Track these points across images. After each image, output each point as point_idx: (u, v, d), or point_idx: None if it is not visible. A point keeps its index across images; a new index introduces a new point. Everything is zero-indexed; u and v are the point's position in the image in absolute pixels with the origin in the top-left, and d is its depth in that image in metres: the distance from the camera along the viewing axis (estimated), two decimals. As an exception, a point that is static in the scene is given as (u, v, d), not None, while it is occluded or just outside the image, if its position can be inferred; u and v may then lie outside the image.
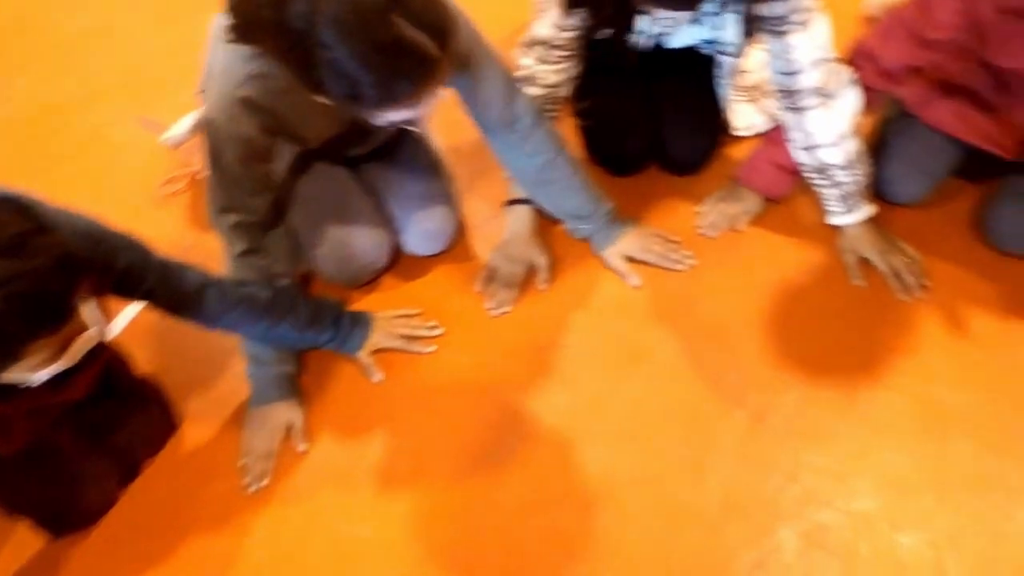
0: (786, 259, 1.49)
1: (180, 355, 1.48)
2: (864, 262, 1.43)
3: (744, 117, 1.64)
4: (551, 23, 1.35)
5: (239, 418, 1.38)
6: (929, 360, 1.33)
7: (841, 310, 1.41)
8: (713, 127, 1.60)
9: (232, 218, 1.26)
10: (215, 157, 1.20)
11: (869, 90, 1.34)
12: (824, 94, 1.31)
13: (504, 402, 1.37)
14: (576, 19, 1.32)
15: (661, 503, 1.23)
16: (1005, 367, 1.31)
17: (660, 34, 1.43)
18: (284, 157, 1.45)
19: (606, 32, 1.37)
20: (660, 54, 1.50)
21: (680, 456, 1.27)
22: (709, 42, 1.44)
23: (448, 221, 1.54)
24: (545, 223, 1.55)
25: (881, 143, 1.50)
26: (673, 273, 1.49)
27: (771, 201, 1.53)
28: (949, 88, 1.40)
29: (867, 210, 1.42)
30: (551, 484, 1.27)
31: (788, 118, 1.37)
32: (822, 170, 1.39)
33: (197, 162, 1.70)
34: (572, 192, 1.43)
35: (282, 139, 1.27)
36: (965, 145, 1.42)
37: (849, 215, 1.42)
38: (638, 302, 1.46)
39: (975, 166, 1.47)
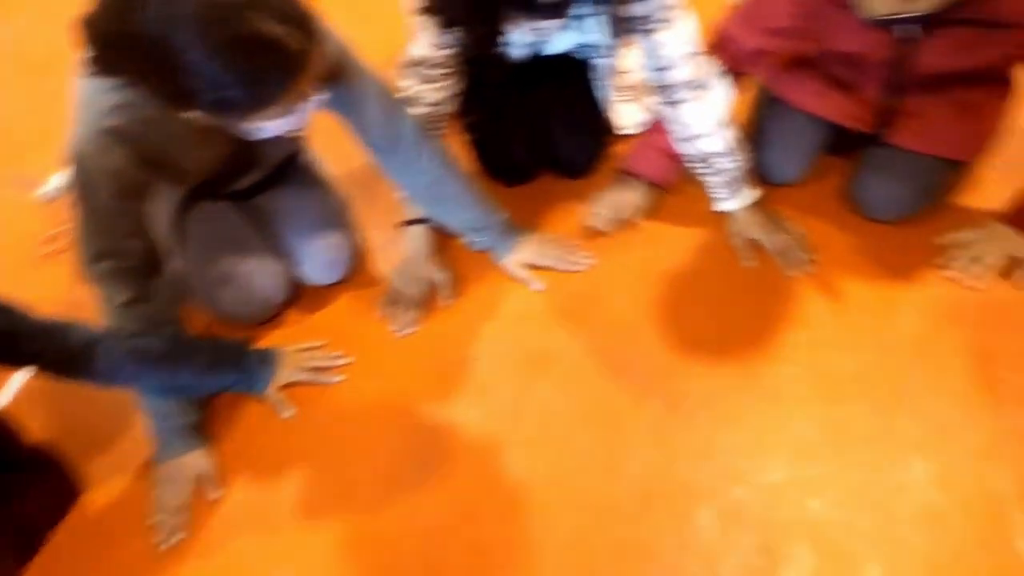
0: (680, 250, 1.54)
1: (77, 418, 1.42)
2: (753, 243, 1.49)
3: (628, 116, 1.69)
4: (427, 43, 1.36)
5: (146, 476, 1.33)
6: (819, 330, 1.39)
7: (737, 293, 1.46)
8: (597, 128, 1.64)
9: (108, 265, 1.18)
10: (85, 196, 1.13)
11: (731, 72, 1.41)
12: (697, 86, 1.36)
13: (418, 422, 1.36)
14: (451, 37, 1.34)
15: (582, 501, 1.24)
16: (887, 328, 1.38)
17: (535, 43, 1.46)
18: (168, 198, 1.41)
19: (482, 48, 1.39)
20: (538, 62, 1.53)
21: (597, 452, 1.29)
22: (583, 46, 1.48)
23: (346, 248, 1.53)
24: (444, 238, 1.56)
25: (756, 130, 1.57)
26: (573, 275, 1.51)
27: (658, 188, 1.57)
28: (807, 70, 1.48)
29: (751, 194, 1.48)
30: (471, 497, 1.26)
31: (667, 112, 1.42)
32: (704, 159, 1.44)
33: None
34: (465, 206, 1.44)
35: (160, 174, 1.20)
36: (830, 123, 1.50)
37: (734, 200, 1.48)
38: (541, 307, 1.48)
39: (841, 142, 1.56)
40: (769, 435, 1.28)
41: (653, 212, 1.59)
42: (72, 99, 1.17)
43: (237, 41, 0.91)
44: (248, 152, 1.35)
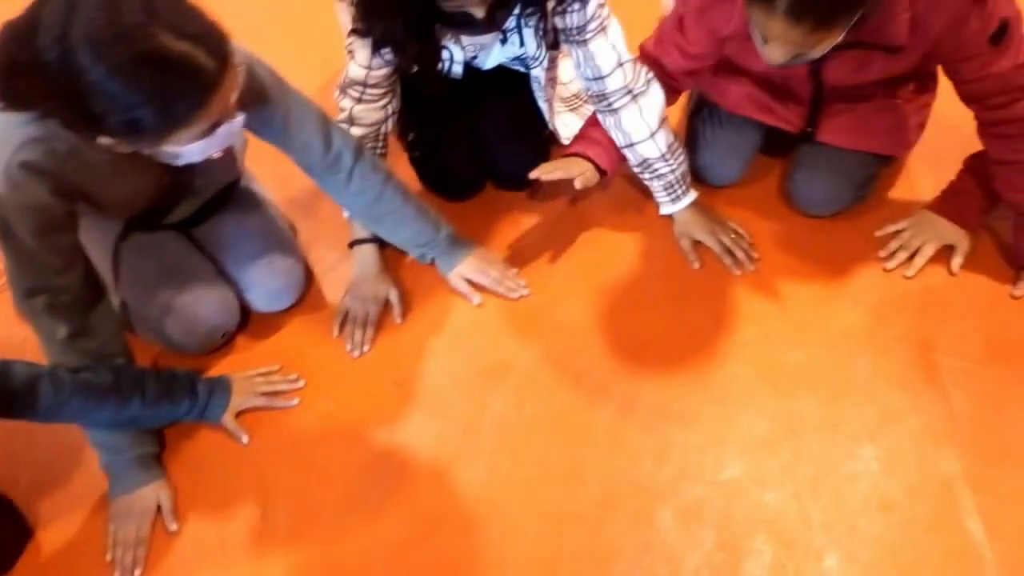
0: (627, 256, 1.56)
1: (23, 457, 1.39)
2: (698, 245, 1.52)
3: (569, 127, 1.71)
4: (362, 63, 1.36)
5: (100, 511, 1.30)
6: (766, 326, 1.43)
7: (684, 296, 1.49)
8: (537, 139, 1.65)
9: (42, 301, 1.16)
10: (6, 235, 1.11)
11: (664, 86, 1.43)
12: (632, 92, 1.39)
13: (375, 442, 1.35)
14: (387, 58, 1.34)
15: (543, 509, 1.25)
16: (831, 320, 1.42)
17: (471, 58, 1.48)
18: (104, 230, 1.39)
19: (419, 66, 1.40)
20: (476, 76, 1.54)
21: (555, 460, 1.30)
22: (518, 58, 1.50)
23: (293, 275, 1.52)
24: (394, 256, 1.56)
25: (692, 134, 1.61)
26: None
27: (603, 174, 1.51)
28: (738, 75, 1.51)
29: (691, 196, 1.51)
30: (432, 512, 1.26)
31: (607, 120, 1.44)
32: (643, 164, 1.46)
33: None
34: (407, 222, 1.44)
35: (85, 206, 1.18)
36: (762, 124, 1.54)
37: (676, 203, 1.50)
38: (493, 319, 1.49)
39: (775, 142, 1.60)
40: (723, 433, 1.30)
41: (598, 219, 1.61)
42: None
43: (139, 58, 0.89)
44: (181, 182, 1.33)
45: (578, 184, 1.46)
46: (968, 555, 1.14)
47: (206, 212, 1.49)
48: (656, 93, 1.41)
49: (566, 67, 1.71)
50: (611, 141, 1.48)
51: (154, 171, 1.23)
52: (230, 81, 0.99)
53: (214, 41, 0.95)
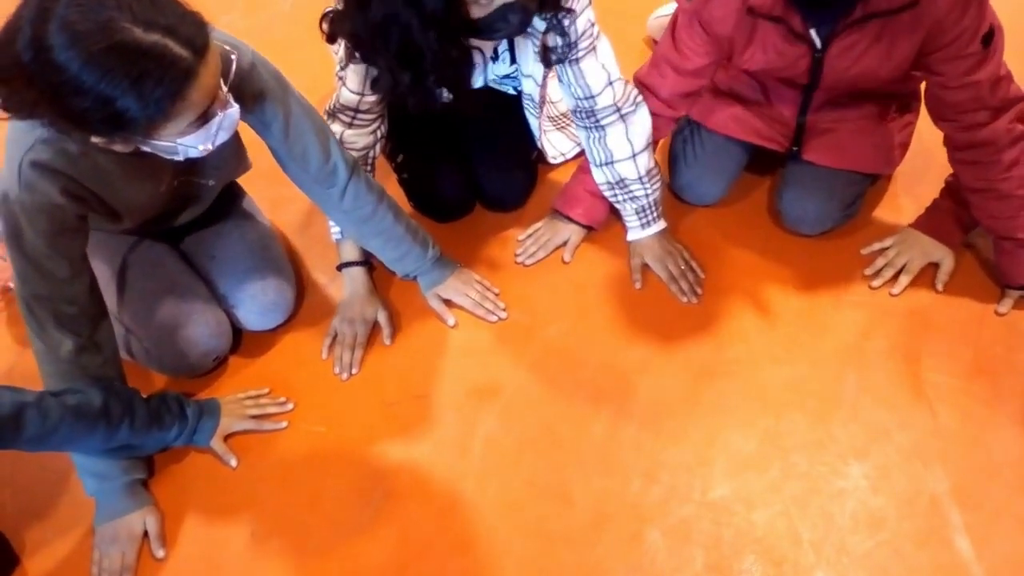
0: (614, 275, 1.56)
1: (9, 484, 1.38)
2: (646, 268, 1.54)
3: (558, 145, 1.72)
4: (354, 90, 1.37)
5: (87, 539, 1.29)
6: (754, 344, 1.43)
7: (671, 315, 1.49)
8: (526, 162, 1.66)
9: (49, 309, 1.15)
10: (16, 238, 1.10)
11: (656, 116, 1.44)
12: (620, 111, 1.40)
13: (365, 463, 1.35)
14: (379, 85, 1.34)
15: (533, 529, 1.25)
16: (819, 338, 1.43)
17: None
18: (108, 245, 1.40)
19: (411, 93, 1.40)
20: (464, 97, 1.54)
21: (545, 479, 1.30)
22: (508, 77, 1.50)
23: (284, 292, 1.52)
24: (383, 277, 1.56)
25: (674, 154, 1.62)
26: (510, 306, 1.53)
27: (589, 229, 1.60)
28: (723, 95, 1.53)
29: (660, 224, 1.52)
30: (423, 533, 1.26)
31: (592, 136, 1.45)
32: (619, 184, 1.46)
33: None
34: (395, 242, 1.44)
35: (94, 211, 1.18)
36: (747, 144, 1.56)
37: (645, 229, 1.52)
38: (481, 340, 1.49)
39: (760, 161, 1.61)
40: (712, 451, 1.31)
41: (585, 241, 1.61)
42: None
43: (111, 50, 0.90)
44: (192, 183, 1.34)
45: (567, 257, 1.58)
46: (958, 572, 1.15)
47: (204, 222, 1.49)
48: (644, 115, 1.42)
49: (555, 86, 1.72)
50: (596, 195, 1.51)
51: (165, 173, 1.23)
52: (209, 71, 0.98)
53: (188, 31, 0.95)
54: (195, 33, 0.96)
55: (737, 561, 1.18)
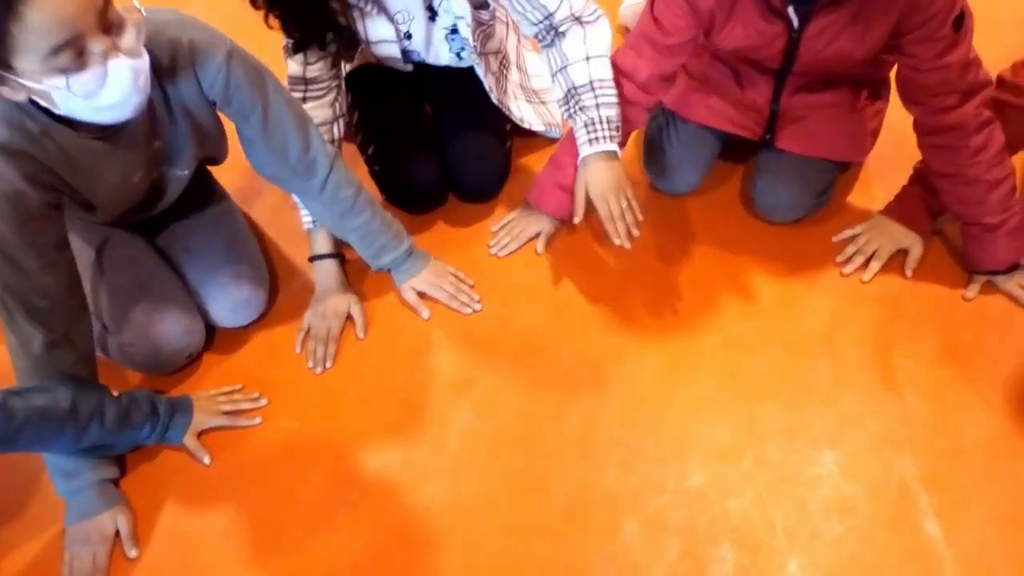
0: (589, 266, 1.57)
1: (-21, 485, 1.36)
2: (590, 202, 1.42)
3: (531, 115, 1.67)
4: (297, 59, 1.37)
5: (58, 540, 1.27)
6: (728, 333, 1.44)
7: (645, 304, 1.50)
8: (500, 152, 1.65)
9: (19, 300, 1.11)
10: None
11: (633, 105, 1.43)
12: (579, 19, 1.37)
13: (339, 459, 1.34)
14: (313, 49, 1.34)
15: (508, 522, 1.25)
16: (792, 326, 1.44)
17: (406, 38, 1.46)
18: (83, 236, 1.38)
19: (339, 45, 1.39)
20: (429, 75, 1.52)
21: (520, 472, 1.30)
22: (461, 51, 1.48)
23: (257, 290, 1.50)
24: (356, 271, 1.55)
25: (649, 143, 1.62)
26: (482, 299, 1.52)
27: (563, 221, 1.59)
28: (696, 83, 1.53)
29: (610, 146, 1.38)
30: (398, 528, 1.26)
31: (552, 48, 1.40)
32: (570, 93, 1.39)
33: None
34: (372, 235, 1.44)
35: (66, 198, 1.15)
36: (721, 132, 1.56)
37: (592, 145, 1.38)
38: (456, 333, 1.49)
39: (733, 150, 1.62)
40: (687, 441, 1.31)
41: (559, 231, 1.61)
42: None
43: None
44: (161, 178, 1.32)
45: (539, 248, 1.57)
46: (927, 556, 1.16)
47: (180, 213, 1.47)
48: (603, 25, 1.39)
49: (533, 60, 1.70)
50: (567, 189, 1.47)
51: (139, 163, 1.21)
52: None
53: None
54: None
55: (712, 548, 1.19)
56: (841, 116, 1.48)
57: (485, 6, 1.37)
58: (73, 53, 0.95)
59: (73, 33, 0.94)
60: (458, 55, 1.49)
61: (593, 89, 1.37)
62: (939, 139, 1.31)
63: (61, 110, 1.02)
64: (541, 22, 1.37)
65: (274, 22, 1.31)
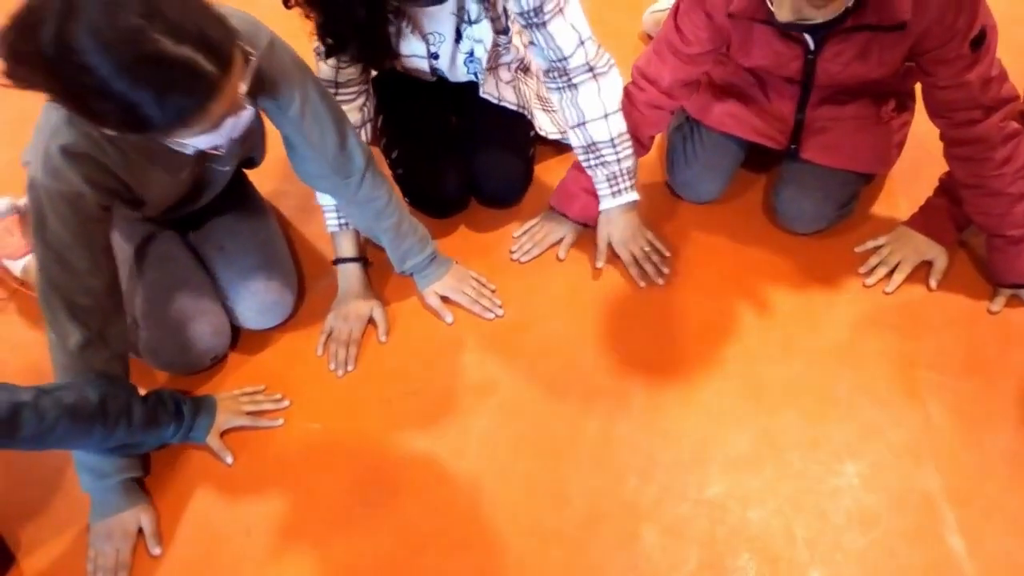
0: (610, 273, 1.56)
1: (3, 482, 1.37)
2: (611, 248, 1.54)
3: (548, 124, 1.69)
4: (330, 62, 1.38)
5: (83, 537, 1.29)
6: (749, 343, 1.44)
7: (668, 312, 1.49)
8: (523, 159, 1.65)
9: (64, 298, 1.14)
10: (39, 224, 1.10)
11: (657, 109, 1.44)
12: (593, 70, 1.38)
13: (361, 460, 1.35)
14: (346, 55, 1.36)
15: (528, 527, 1.25)
16: (814, 336, 1.43)
17: (433, 56, 1.48)
18: (126, 236, 1.40)
19: (374, 56, 1.41)
20: (455, 93, 1.53)
21: (541, 477, 1.30)
22: (475, 67, 1.49)
23: (285, 294, 1.51)
24: (378, 274, 1.56)
25: (673, 152, 1.62)
26: (504, 304, 1.53)
27: (585, 226, 1.59)
28: (721, 92, 1.53)
29: (632, 196, 1.49)
30: (419, 530, 1.26)
31: (564, 97, 1.42)
32: (590, 147, 1.44)
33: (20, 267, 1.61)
34: (402, 237, 1.45)
35: (119, 203, 1.17)
36: (744, 141, 1.56)
37: (616, 198, 1.48)
38: (476, 337, 1.49)
39: (756, 159, 1.61)
40: (707, 449, 1.31)
41: (581, 237, 1.61)
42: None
43: (139, 61, 0.89)
44: (206, 172, 1.34)
45: (561, 255, 1.58)
46: (951, 570, 1.16)
47: (216, 210, 1.50)
48: (616, 77, 1.41)
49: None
50: (592, 192, 1.50)
51: (187, 159, 1.22)
52: (232, 83, 0.97)
53: (216, 43, 0.94)
54: (222, 40, 0.95)
55: (732, 559, 1.19)
56: (867, 128, 1.48)
57: (505, 31, 1.39)
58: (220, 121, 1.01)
59: (234, 106, 1.01)
60: (475, 75, 1.51)
61: (614, 145, 1.43)
62: (964, 151, 1.31)
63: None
64: (555, 62, 1.39)
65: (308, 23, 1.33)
